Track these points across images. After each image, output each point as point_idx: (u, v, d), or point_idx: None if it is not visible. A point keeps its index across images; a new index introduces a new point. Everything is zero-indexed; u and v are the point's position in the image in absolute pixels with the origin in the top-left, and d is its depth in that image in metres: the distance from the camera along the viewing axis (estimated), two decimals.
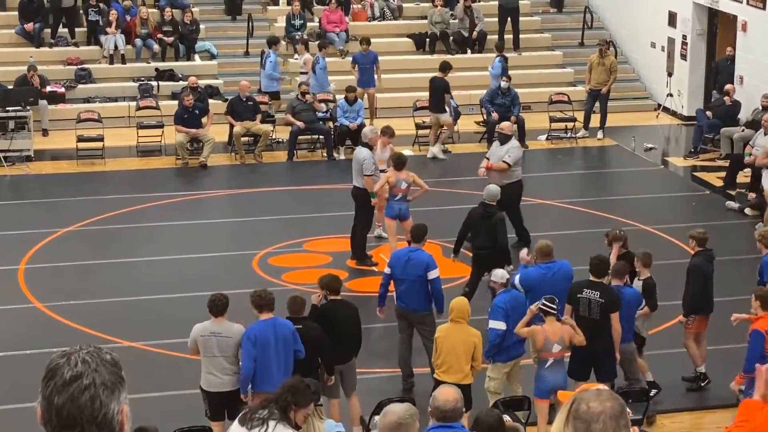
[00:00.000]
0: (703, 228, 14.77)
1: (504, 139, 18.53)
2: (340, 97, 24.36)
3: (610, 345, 12.70)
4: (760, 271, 14.21)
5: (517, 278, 13.52)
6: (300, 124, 23.49)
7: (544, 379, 12.28)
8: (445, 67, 24.07)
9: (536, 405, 12.34)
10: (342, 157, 23.60)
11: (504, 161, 18.19)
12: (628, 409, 4.00)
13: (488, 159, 18.56)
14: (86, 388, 3.31)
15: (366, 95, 25.53)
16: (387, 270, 14.10)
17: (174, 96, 25.44)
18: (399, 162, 17.24)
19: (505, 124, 19.26)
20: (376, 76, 25.57)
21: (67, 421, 3.31)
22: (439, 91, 23.87)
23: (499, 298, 12.79)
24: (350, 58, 26.06)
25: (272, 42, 25.73)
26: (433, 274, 13.65)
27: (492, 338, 12.62)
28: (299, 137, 23.84)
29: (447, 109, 23.90)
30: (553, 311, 12.27)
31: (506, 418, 10.93)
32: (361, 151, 17.84)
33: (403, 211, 17.24)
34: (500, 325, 12.57)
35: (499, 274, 13.06)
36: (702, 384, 14.14)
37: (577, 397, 4.00)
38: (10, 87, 24.00)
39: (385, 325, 13.21)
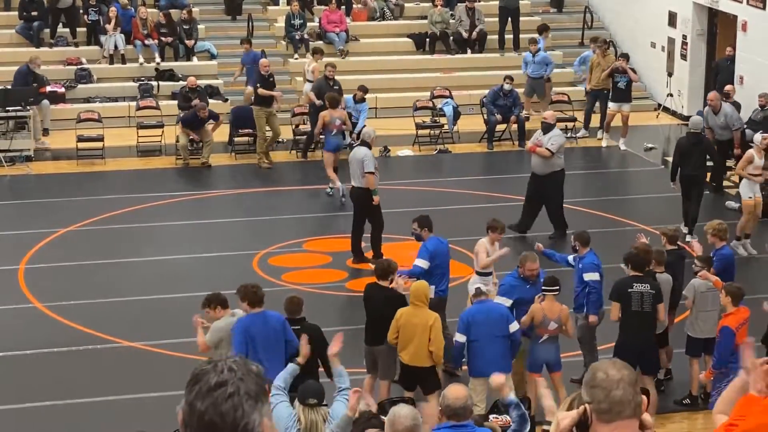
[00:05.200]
0: (673, 227, 14.94)
1: (547, 128, 18.91)
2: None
3: (653, 338, 13.00)
4: (725, 267, 14.05)
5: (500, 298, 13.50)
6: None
7: (536, 353, 12.94)
8: None
9: (528, 378, 13.03)
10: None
11: (547, 148, 18.63)
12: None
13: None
14: (230, 396, 3.25)
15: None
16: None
17: (173, 96, 25.43)
18: (334, 101, 21.00)
19: (548, 113, 19.84)
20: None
21: (208, 427, 3.25)
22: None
23: (465, 311, 12.85)
24: (350, 59, 26.03)
25: (542, 29, 26.79)
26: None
27: (453, 350, 12.87)
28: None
29: None
30: (552, 292, 12.78)
31: (506, 418, 10.94)
32: (359, 150, 17.79)
33: (340, 144, 20.96)
34: (461, 338, 12.66)
35: (472, 287, 13.16)
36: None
37: (592, 367, 4.06)
38: (9, 87, 23.96)
39: None
